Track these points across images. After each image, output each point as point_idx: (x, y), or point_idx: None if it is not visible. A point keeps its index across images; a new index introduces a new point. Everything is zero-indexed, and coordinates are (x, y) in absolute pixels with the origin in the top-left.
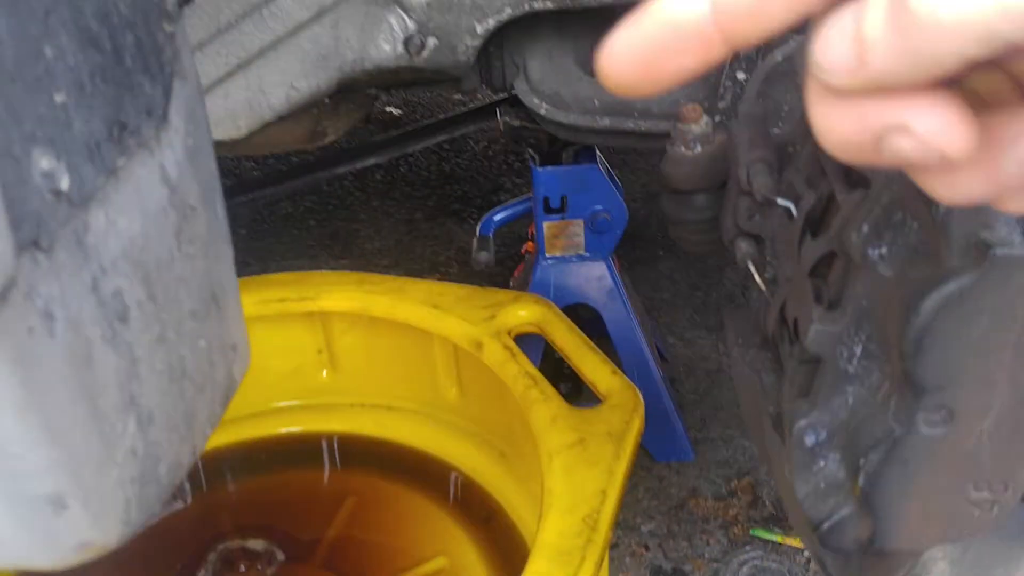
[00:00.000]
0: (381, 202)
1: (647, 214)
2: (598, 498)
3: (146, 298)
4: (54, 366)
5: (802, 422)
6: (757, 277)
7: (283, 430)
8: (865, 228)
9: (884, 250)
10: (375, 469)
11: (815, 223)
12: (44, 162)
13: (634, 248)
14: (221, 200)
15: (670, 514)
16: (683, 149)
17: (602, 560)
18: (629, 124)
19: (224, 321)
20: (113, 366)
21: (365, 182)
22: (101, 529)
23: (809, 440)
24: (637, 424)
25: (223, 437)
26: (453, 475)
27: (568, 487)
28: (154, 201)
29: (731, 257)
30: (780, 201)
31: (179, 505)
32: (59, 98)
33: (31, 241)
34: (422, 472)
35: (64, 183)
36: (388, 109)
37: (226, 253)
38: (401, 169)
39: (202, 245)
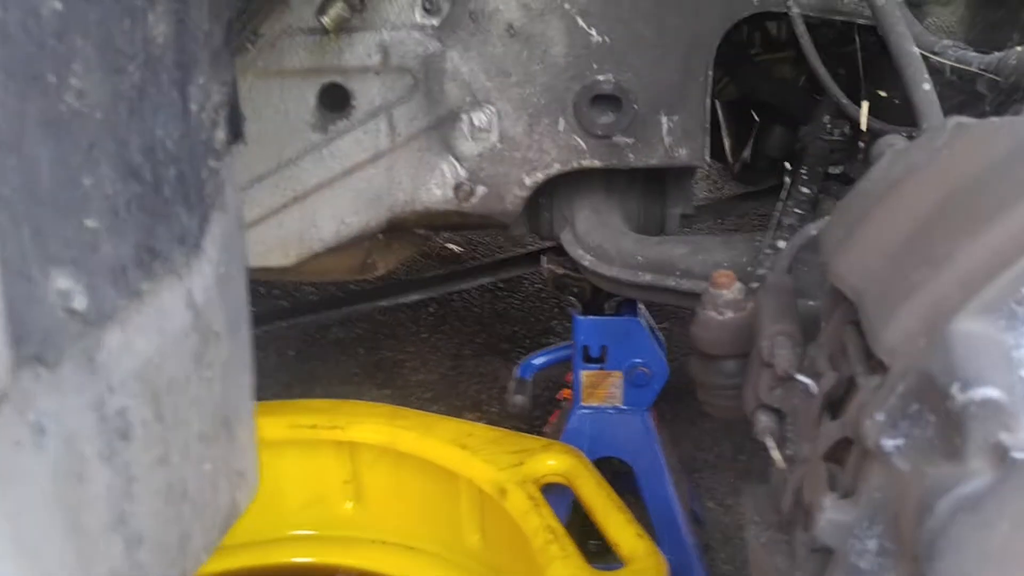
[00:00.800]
0: (430, 335)
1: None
2: None
3: (153, 418)
4: (38, 480)
5: None
6: (775, 453)
7: (298, 560)
8: (881, 416)
9: (900, 442)
10: None
11: (835, 404)
12: (61, 281)
13: (679, 404)
14: (247, 326)
15: None
16: (713, 313)
17: None
18: (670, 282)
19: (234, 446)
20: (106, 483)
21: (417, 314)
22: None
23: None
24: None
25: (235, 561)
26: None
27: None
28: (176, 324)
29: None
30: (800, 378)
31: None
32: (90, 223)
33: (34, 356)
34: None
35: (80, 303)
36: (448, 246)
37: (245, 379)
38: (454, 303)
39: (221, 369)
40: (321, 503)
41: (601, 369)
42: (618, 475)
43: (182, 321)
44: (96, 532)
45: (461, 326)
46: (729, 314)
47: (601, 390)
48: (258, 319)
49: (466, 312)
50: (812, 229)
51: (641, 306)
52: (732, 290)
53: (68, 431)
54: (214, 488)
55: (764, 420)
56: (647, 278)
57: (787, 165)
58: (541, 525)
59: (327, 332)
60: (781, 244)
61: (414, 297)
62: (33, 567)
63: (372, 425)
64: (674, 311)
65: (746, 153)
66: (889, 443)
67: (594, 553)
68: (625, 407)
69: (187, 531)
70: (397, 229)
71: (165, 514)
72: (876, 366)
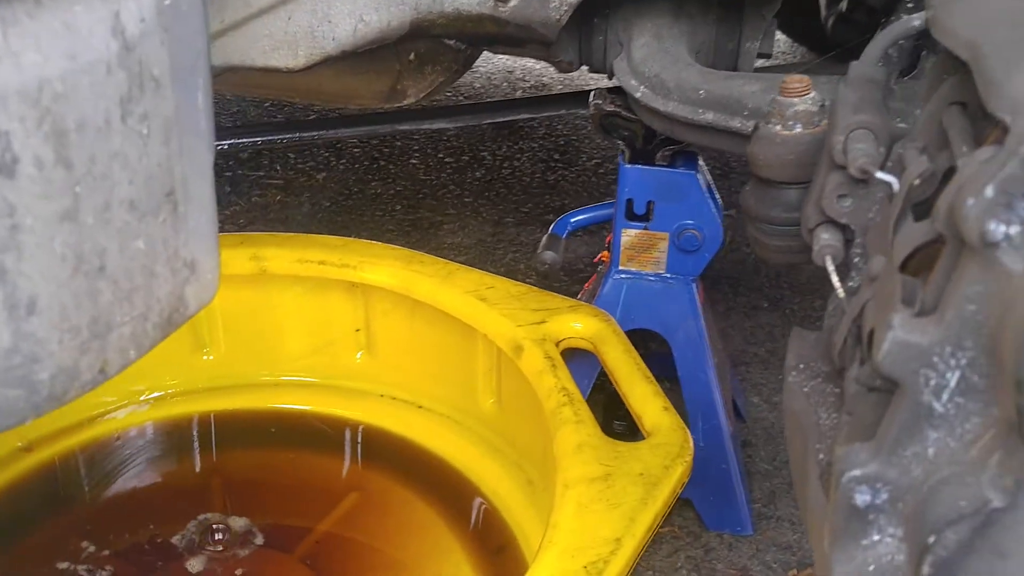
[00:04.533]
0: (474, 199)
1: (757, 261)
2: (608, 546)
3: (54, 160)
4: None
5: (855, 472)
6: (835, 277)
7: (301, 407)
8: (990, 191)
9: (1015, 229)
10: (388, 469)
11: (921, 204)
12: None
13: (735, 294)
14: (206, 93)
15: None
16: (779, 127)
17: None
18: (735, 123)
19: (180, 229)
20: None
21: (463, 176)
22: None
23: (861, 499)
24: (679, 471)
25: (235, 401)
26: (472, 494)
27: (576, 526)
28: (95, 53)
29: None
30: (880, 175)
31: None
32: None
33: None
34: (439, 483)
35: None
36: None
37: (201, 153)
38: (504, 171)
39: (163, 130)
40: (330, 350)
41: (645, 229)
42: (652, 356)
43: (104, 51)
44: None
45: (508, 193)
46: (798, 129)
47: (643, 253)
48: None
49: (515, 180)
50: (915, 20)
51: (700, 161)
52: (805, 100)
53: None
54: (149, 273)
55: (825, 238)
56: (708, 116)
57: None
58: (555, 386)
59: (366, 186)
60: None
61: (440, 124)
62: None
63: (387, 267)
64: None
65: (842, 3)
66: (998, 230)
67: (618, 435)
68: (669, 275)
69: (106, 315)
70: (423, 36)
71: (71, 286)
72: (988, 138)
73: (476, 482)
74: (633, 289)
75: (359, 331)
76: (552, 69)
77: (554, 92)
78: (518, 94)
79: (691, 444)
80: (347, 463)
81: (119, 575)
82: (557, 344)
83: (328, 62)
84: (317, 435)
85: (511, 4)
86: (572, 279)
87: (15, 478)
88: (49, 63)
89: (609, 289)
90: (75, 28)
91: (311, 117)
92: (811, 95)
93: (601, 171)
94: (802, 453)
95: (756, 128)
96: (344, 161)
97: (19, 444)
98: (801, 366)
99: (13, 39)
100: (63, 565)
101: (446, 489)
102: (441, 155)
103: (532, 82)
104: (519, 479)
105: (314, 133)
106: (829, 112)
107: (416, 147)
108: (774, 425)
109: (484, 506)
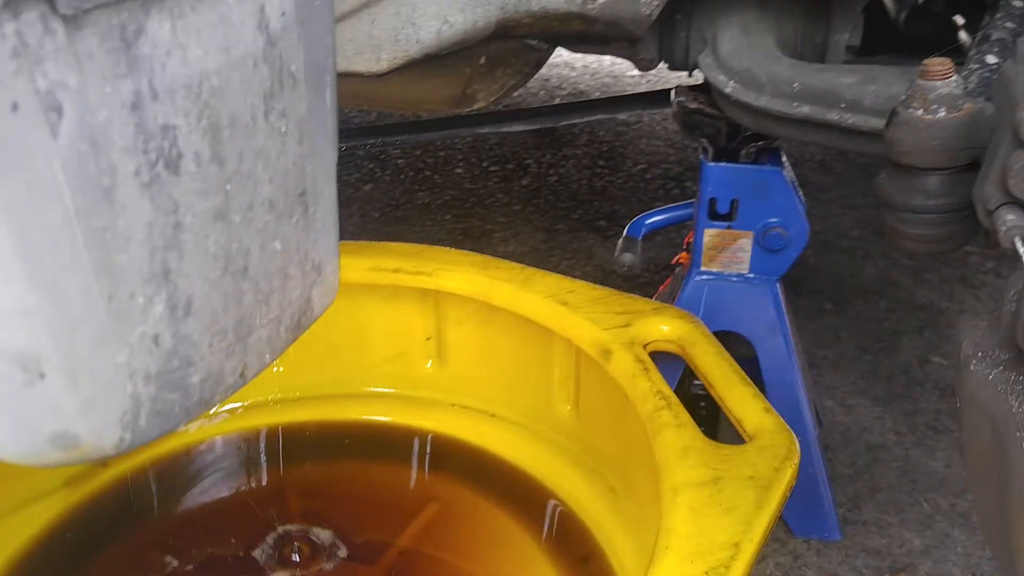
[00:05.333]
0: (523, 207)
1: (818, 263)
2: (728, 551)
3: (210, 157)
4: (53, 182)
5: None
6: None
7: (373, 418)
8: None
9: None
10: (464, 479)
11: None
12: None
13: (798, 296)
14: (333, 92)
15: None
16: (921, 112)
17: None
18: (833, 116)
19: (310, 230)
20: (146, 219)
21: (510, 185)
22: (90, 423)
23: None
24: (789, 473)
25: (306, 413)
26: (552, 503)
27: (693, 531)
28: (243, 45)
29: (922, 307)
30: None
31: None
32: None
33: None
34: (517, 494)
35: None
36: None
37: (327, 153)
38: (550, 178)
39: (298, 128)
40: (401, 360)
41: (729, 228)
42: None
43: (252, 45)
44: (133, 281)
45: (556, 201)
46: (942, 113)
47: (726, 253)
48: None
49: (562, 187)
50: None
51: (784, 157)
52: (948, 83)
53: (94, 124)
54: (283, 275)
55: (1011, 219)
56: (804, 110)
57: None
58: (650, 390)
59: (413, 196)
60: (991, 59)
61: (506, 127)
62: (54, 302)
63: (463, 273)
64: (814, 189)
65: None
66: None
67: None
68: (752, 275)
69: (248, 317)
70: (507, 36)
71: (221, 288)
72: None
73: (555, 490)
74: (716, 290)
75: (430, 340)
76: (588, 76)
77: (593, 98)
78: (556, 101)
79: (797, 446)
80: (422, 474)
81: None
82: (644, 347)
83: (410, 66)
84: (390, 446)
85: (600, 1)
86: (630, 284)
87: (91, 493)
88: (208, 57)
89: (691, 291)
90: (229, 21)
91: (351, 126)
92: (953, 78)
93: (648, 176)
94: (993, 443)
95: (894, 114)
96: (389, 172)
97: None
98: (980, 354)
99: (180, 32)
100: None
101: (524, 498)
102: (486, 164)
103: (569, 90)
104: (600, 487)
105: (360, 141)
106: (998, 90)
107: (460, 156)
108: (850, 429)
109: (565, 515)
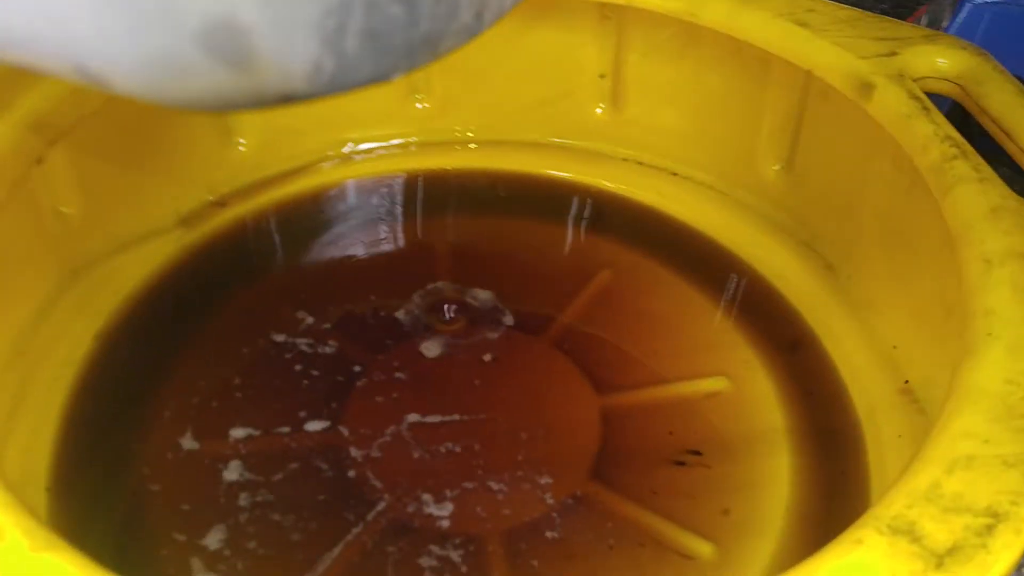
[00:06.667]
0: None
1: None
2: None
3: None
4: None
5: None
6: None
7: (530, 171)
8: None
9: None
10: (640, 247)
11: None
12: None
13: None
14: None
15: None
16: None
17: None
18: None
19: None
20: None
21: None
22: (272, 16)
23: None
24: None
25: (448, 159)
26: (749, 279)
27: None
28: None
29: None
30: None
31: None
32: None
33: None
34: (707, 266)
35: None
36: None
37: None
38: None
39: None
40: (565, 101)
41: None
42: None
43: None
44: None
45: None
46: None
47: None
48: None
49: None
50: None
51: None
52: None
53: None
54: None
55: None
56: None
57: None
58: (935, 134)
59: None
60: None
61: None
62: None
63: None
64: None
65: None
66: None
67: None
68: None
69: None
70: None
71: None
72: None
73: (753, 264)
74: (1000, 20)
75: (603, 78)
76: None
77: None
78: None
79: None
80: (591, 236)
81: (344, 352)
82: (916, 82)
83: None
84: (551, 202)
85: None
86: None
87: (207, 236)
88: None
89: (965, 19)
90: None
91: None
92: None
93: None
94: None
95: None
96: None
97: (209, 197)
98: None
99: None
100: (279, 338)
101: (715, 272)
102: None
103: None
104: (813, 263)
105: None
106: None
107: None
108: None
109: (766, 293)
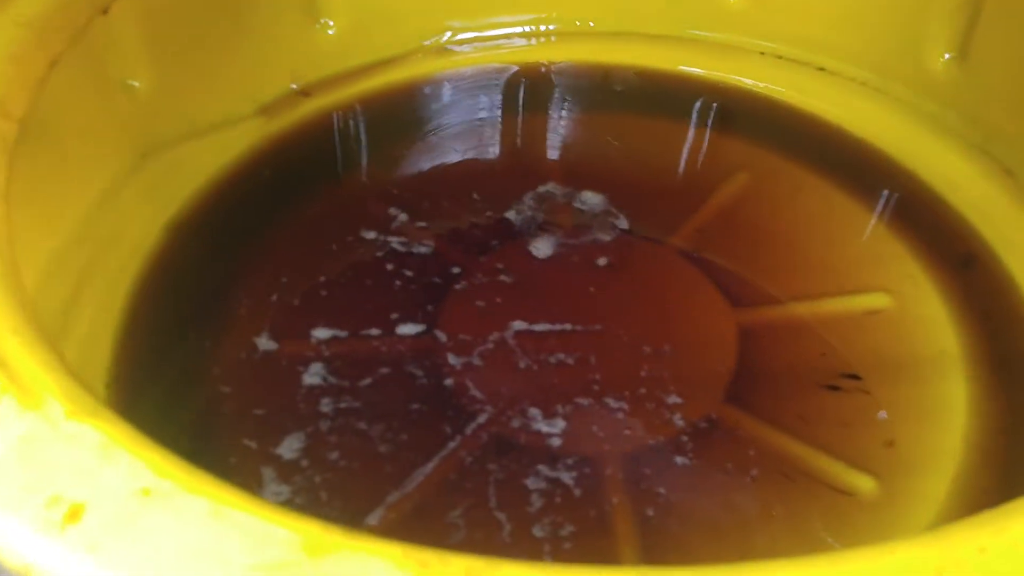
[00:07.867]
0: None
1: None
2: None
3: None
4: None
5: None
6: None
7: (655, 66)
8: None
9: None
10: (782, 148)
11: None
12: None
13: None
14: None
15: None
16: None
17: None
18: None
19: None
20: None
21: None
22: None
23: None
24: None
25: (559, 52)
26: (912, 186)
27: None
28: None
29: None
30: None
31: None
32: None
33: None
34: (860, 171)
35: None
36: None
37: None
38: None
39: None
40: None
41: None
42: None
43: None
44: None
45: None
46: None
47: None
48: None
49: None
50: None
51: None
52: None
53: None
54: None
55: None
56: None
57: None
58: None
59: None
60: None
61: None
62: None
63: None
64: None
65: None
66: None
67: None
68: None
69: None
70: None
71: None
72: None
73: (917, 170)
74: None
75: None
76: None
77: None
78: None
79: None
80: (719, 137)
81: (442, 252)
82: None
83: None
84: (677, 100)
85: None
86: None
87: (289, 127)
88: None
89: None
90: None
91: None
92: None
93: None
94: None
95: None
96: None
97: (293, 86)
98: None
99: None
100: (369, 235)
101: (870, 177)
102: None
103: None
104: (989, 169)
105: None
106: None
107: None
108: None
109: (933, 202)
